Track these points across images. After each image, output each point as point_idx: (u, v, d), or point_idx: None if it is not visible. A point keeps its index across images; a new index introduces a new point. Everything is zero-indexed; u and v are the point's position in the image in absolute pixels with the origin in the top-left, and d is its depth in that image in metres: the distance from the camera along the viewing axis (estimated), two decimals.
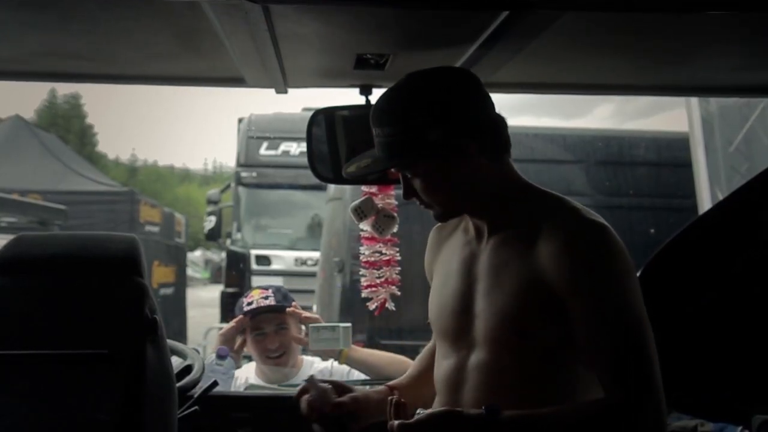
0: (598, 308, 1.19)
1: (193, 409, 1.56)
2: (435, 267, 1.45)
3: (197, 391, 1.65)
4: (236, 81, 1.64)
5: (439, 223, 1.47)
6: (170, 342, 1.52)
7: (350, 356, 2.15)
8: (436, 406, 1.36)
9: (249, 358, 2.38)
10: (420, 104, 1.26)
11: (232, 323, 2.23)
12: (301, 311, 2.23)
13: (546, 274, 1.21)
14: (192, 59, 1.50)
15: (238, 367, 2.24)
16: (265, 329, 2.20)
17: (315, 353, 2.23)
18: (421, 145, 1.25)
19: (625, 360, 1.17)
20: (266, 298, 2.23)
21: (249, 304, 2.23)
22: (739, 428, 1.64)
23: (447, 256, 1.41)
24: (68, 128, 28.24)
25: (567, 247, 1.20)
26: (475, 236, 1.35)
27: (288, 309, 2.21)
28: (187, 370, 1.67)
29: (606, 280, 1.20)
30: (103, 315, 1.22)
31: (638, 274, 1.38)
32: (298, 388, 1.43)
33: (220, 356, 2.04)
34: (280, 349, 2.19)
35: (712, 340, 1.67)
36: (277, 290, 2.28)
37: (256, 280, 6.98)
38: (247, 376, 2.24)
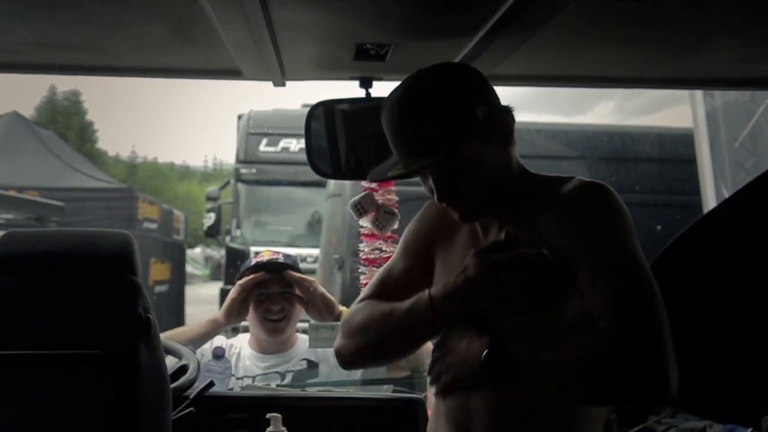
0: (600, 258, 1.16)
1: (188, 410, 1.53)
2: (437, 246, 1.39)
3: (193, 392, 1.62)
4: (233, 73, 1.61)
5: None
6: (165, 341, 1.49)
7: None
8: (442, 407, 1.33)
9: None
10: (461, 85, 1.24)
11: (243, 280, 2.16)
12: (298, 274, 2.19)
13: (552, 242, 1.19)
14: (187, 50, 1.47)
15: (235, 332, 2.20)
16: (270, 289, 2.16)
17: (316, 343, 2.17)
18: (473, 122, 1.21)
19: (625, 302, 1.12)
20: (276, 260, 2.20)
21: (259, 260, 2.20)
22: (749, 430, 1.61)
23: (451, 246, 1.37)
24: (68, 125, 28.34)
25: (567, 206, 1.20)
26: (483, 232, 1.32)
27: (289, 272, 2.17)
28: (183, 370, 1.64)
29: (608, 231, 1.19)
30: (95, 314, 1.18)
31: None
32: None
33: (217, 356, 2.00)
34: (281, 312, 2.16)
35: (721, 340, 1.65)
36: (287, 256, 2.25)
37: None
38: (240, 346, 2.22)
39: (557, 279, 1.18)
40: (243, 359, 2.19)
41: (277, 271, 2.17)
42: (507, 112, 1.27)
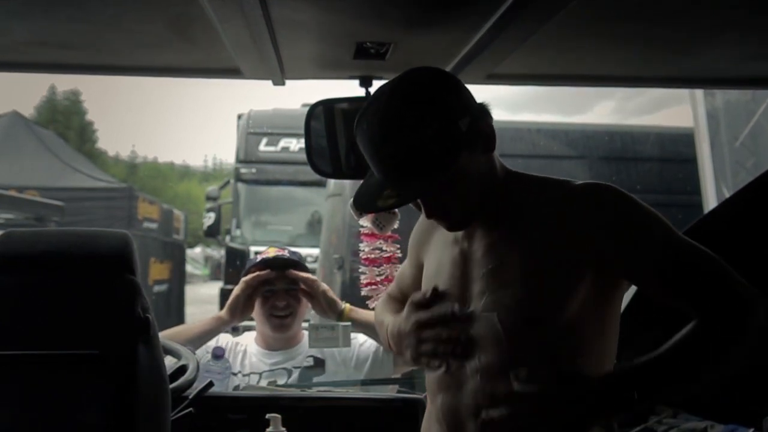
0: (651, 253, 1.19)
1: (187, 410, 1.52)
2: (425, 256, 1.41)
3: (192, 392, 1.62)
4: (232, 72, 1.60)
5: None
6: (164, 341, 1.48)
7: (351, 316, 2.11)
8: (433, 410, 1.32)
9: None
10: (441, 99, 1.20)
11: (249, 277, 2.16)
12: (301, 273, 2.19)
13: (570, 251, 1.18)
14: (186, 49, 1.46)
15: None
16: (276, 285, 2.16)
17: (316, 343, 2.17)
18: (459, 136, 1.18)
19: (703, 281, 1.16)
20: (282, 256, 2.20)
21: (265, 257, 2.20)
22: (750, 430, 1.60)
23: (436, 252, 1.37)
24: (68, 125, 28.29)
25: (591, 212, 1.20)
26: (464, 235, 1.30)
27: (291, 270, 2.16)
28: (182, 370, 1.64)
29: (645, 226, 1.20)
30: (93, 314, 1.18)
31: None
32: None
33: (216, 356, 2.00)
34: (287, 308, 2.15)
35: None
36: (293, 252, 2.25)
37: None
38: (246, 343, 2.21)
39: (485, 331, 1.21)
40: (249, 356, 2.18)
41: (283, 268, 2.16)
42: (486, 113, 1.24)
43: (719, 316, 1.15)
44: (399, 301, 1.52)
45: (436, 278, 1.33)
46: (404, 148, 1.16)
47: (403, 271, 1.55)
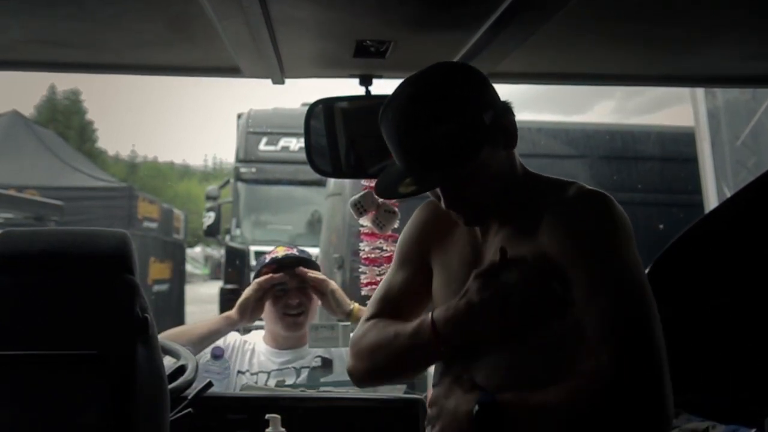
0: (597, 275, 1.14)
1: (186, 411, 1.51)
2: (433, 253, 1.37)
3: (191, 393, 1.61)
4: (232, 71, 1.60)
5: (429, 201, 1.40)
6: (162, 341, 1.48)
7: (361, 316, 2.10)
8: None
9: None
10: (466, 91, 1.20)
11: (262, 279, 2.15)
12: (308, 271, 2.17)
13: (549, 251, 1.17)
14: (185, 47, 1.46)
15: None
16: (288, 284, 2.15)
17: (316, 343, 2.16)
18: (483, 129, 1.19)
19: (622, 329, 1.10)
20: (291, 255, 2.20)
21: (274, 257, 2.19)
22: (752, 431, 1.60)
23: (448, 251, 1.35)
24: (68, 124, 28.34)
25: (566, 216, 1.18)
26: (480, 235, 1.31)
27: (301, 269, 2.16)
28: (181, 370, 1.63)
29: (606, 246, 1.16)
30: (92, 314, 1.17)
31: (647, 271, 1.34)
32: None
33: (215, 356, 1.99)
34: (300, 306, 2.15)
35: (723, 340, 1.64)
36: (301, 250, 2.25)
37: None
38: (255, 341, 2.21)
39: (560, 297, 1.16)
40: (258, 355, 2.18)
41: (293, 267, 2.16)
42: (509, 110, 1.25)
43: (635, 391, 1.09)
44: (394, 317, 1.36)
45: (449, 276, 1.32)
46: (427, 141, 1.18)
47: (389, 282, 1.42)
